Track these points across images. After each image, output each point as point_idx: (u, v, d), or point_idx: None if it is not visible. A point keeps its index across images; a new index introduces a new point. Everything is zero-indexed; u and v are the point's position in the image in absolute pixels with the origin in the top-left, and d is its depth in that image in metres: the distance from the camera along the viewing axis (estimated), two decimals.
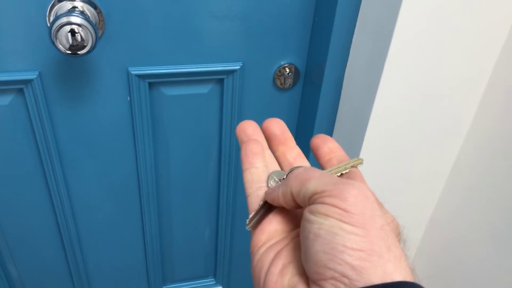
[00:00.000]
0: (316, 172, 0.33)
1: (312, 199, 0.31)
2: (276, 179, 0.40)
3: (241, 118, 0.92)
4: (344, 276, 0.28)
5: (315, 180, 0.32)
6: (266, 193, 0.38)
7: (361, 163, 0.41)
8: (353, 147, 0.83)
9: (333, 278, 0.28)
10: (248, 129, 0.43)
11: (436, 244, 0.97)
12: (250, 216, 0.38)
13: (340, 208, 0.29)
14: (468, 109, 0.81)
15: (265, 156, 0.42)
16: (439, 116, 0.80)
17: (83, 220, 1.02)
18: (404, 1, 0.66)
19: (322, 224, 0.29)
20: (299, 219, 0.37)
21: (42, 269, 1.10)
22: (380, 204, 0.33)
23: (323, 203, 0.30)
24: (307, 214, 0.31)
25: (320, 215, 0.30)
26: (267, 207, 0.38)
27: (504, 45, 0.74)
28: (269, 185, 0.39)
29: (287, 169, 0.42)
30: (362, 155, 0.82)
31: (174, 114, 0.89)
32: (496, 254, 0.83)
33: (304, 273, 0.31)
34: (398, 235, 0.34)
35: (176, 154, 0.95)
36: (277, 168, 0.42)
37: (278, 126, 0.43)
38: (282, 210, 0.38)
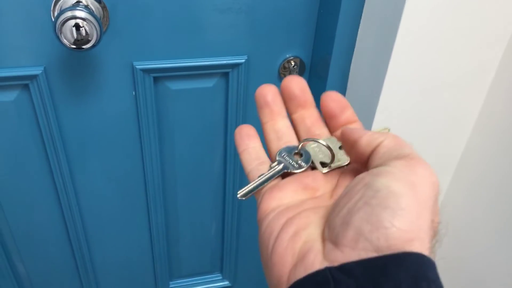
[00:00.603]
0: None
1: (389, 160, 0.30)
2: (285, 155, 0.38)
3: (246, 112, 0.92)
4: (377, 251, 0.26)
5: (409, 148, 0.31)
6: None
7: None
8: None
9: (365, 249, 0.26)
10: (268, 95, 0.40)
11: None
12: (249, 185, 0.36)
13: (409, 179, 0.28)
14: (475, 103, 0.80)
15: (279, 127, 0.40)
16: (445, 109, 0.80)
17: (89, 216, 1.02)
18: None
19: (379, 192, 0.27)
20: (311, 190, 0.36)
21: (49, 264, 1.10)
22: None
23: (395, 167, 0.29)
24: (369, 176, 0.29)
25: (385, 178, 0.28)
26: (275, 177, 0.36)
27: (511, 38, 0.74)
28: (277, 159, 0.38)
29: (303, 134, 0.40)
30: None
31: (179, 108, 0.89)
32: (500, 248, 0.83)
33: (319, 240, 0.30)
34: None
35: (182, 148, 0.95)
36: (291, 141, 0.40)
37: (298, 86, 0.39)
38: (293, 180, 0.36)
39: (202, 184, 1.03)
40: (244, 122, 0.93)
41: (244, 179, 1.03)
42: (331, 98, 0.38)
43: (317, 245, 0.30)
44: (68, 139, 0.87)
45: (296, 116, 0.40)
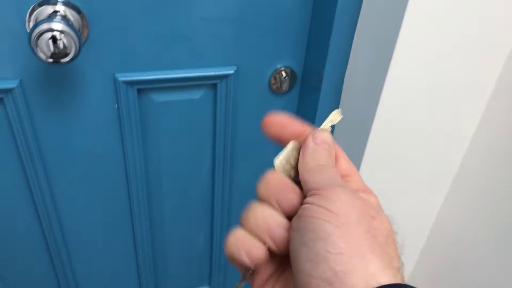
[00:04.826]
0: (321, 165, 0.34)
1: (308, 194, 0.32)
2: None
3: (235, 125, 0.88)
4: (330, 284, 0.27)
5: (317, 176, 0.33)
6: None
7: (338, 118, 0.39)
8: (353, 156, 0.79)
9: (318, 286, 0.28)
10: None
11: (440, 249, 0.94)
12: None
13: (326, 209, 0.30)
14: (473, 114, 0.77)
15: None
16: (444, 121, 0.77)
17: (71, 231, 0.98)
18: (410, 2, 0.62)
19: (305, 230, 0.30)
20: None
21: (30, 282, 1.05)
22: (373, 210, 0.32)
23: (312, 203, 0.31)
24: (294, 222, 0.32)
25: (306, 218, 0.30)
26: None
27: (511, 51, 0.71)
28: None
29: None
30: (363, 163, 0.78)
31: (165, 121, 0.85)
32: (500, 260, 0.80)
33: None
34: (393, 241, 0.32)
35: (168, 162, 0.91)
36: None
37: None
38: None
39: (189, 198, 0.99)
40: (234, 135, 0.89)
41: (233, 192, 1.00)
42: (271, 119, 0.38)
43: None
44: (47, 155, 0.83)
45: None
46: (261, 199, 0.35)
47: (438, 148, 0.81)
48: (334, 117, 0.38)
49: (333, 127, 0.39)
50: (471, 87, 0.74)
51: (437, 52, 0.68)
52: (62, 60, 0.64)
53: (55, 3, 0.67)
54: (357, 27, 0.75)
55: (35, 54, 0.63)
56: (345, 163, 0.38)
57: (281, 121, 0.38)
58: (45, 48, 0.62)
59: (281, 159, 0.36)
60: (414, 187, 0.86)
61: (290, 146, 0.36)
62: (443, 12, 0.64)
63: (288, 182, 0.35)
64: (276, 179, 0.35)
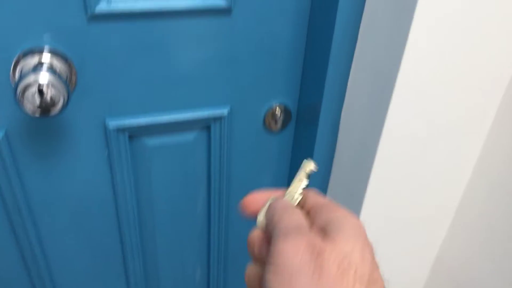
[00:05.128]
0: (275, 220, 0.35)
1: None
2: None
3: (230, 165, 0.85)
4: None
5: (273, 232, 0.34)
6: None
7: (313, 169, 0.41)
8: (353, 194, 0.77)
9: None
10: None
11: (441, 285, 0.92)
12: None
13: (273, 264, 0.30)
14: (475, 148, 0.76)
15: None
16: (446, 157, 0.75)
17: (61, 279, 0.94)
18: (410, 38, 0.61)
19: None
20: None
21: None
22: (322, 241, 0.31)
23: (266, 263, 0.32)
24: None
25: (262, 282, 0.31)
26: None
27: (508, 85, 0.70)
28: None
29: None
30: (364, 204, 0.76)
31: (157, 165, 0.82)
32: None
33: None
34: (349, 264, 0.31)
35: (162, 206, 0.88)
36: None
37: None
38: None
39: (184, 240, 0.96)
40: (229, 177, 0.87)
41: (229, 235, 0.96)
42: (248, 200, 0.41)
43: None
44: (34, 205, 0.79)
45: None
46: (253, 259, 0.38)
47: (439, 183, 0.79)
48: (307, 168, 0.41)
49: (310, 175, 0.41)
50: (471, 124, 0.73)
51: (438, 87, 0.67)
52: (50, 114, 0.61)
53: (40, 51, 0.64)
54: (354, 61, 0.74)
55: (22, 109, 0.60)
56: (312, 199, 0.39)
57: (255, 198, 0.40)
58: (31, 101, 0.59)
59: (262, 215, 0.39)
60: (415, 224, 0.84)
61: (269, 203, 0.39)
62: (444, 47, 0.63)
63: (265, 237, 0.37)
64: (256, 237, 0.37)
